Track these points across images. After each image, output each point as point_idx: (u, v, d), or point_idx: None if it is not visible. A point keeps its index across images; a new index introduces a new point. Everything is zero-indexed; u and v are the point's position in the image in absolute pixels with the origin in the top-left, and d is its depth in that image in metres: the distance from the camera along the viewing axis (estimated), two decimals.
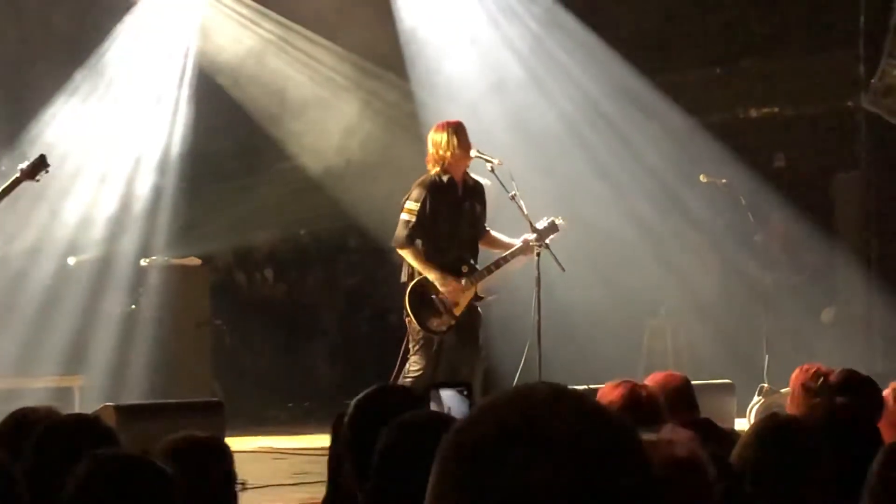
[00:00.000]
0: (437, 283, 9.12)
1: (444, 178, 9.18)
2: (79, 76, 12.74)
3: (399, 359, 9.27)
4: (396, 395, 3.88)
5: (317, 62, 13.48)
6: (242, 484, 4.39)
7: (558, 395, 1.55)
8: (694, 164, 12.55)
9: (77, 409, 9.89)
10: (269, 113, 13.27)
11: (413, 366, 9.14)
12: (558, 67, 13.52)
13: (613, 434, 1.54)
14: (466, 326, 9.28)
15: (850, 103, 13.70)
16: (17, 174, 9.00)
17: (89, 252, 12.47)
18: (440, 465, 1.54)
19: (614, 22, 13.49)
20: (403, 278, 9.28)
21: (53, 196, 12.51)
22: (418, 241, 9.15)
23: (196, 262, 12.16)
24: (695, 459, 3.07)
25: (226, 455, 3.97)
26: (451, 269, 9.20)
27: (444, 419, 3.07)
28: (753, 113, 14.45)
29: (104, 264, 12.38)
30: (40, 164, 9.04)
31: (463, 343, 9.30)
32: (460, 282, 9.18)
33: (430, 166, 9.22)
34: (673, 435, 3.30)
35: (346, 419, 3.70)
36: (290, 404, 13.45)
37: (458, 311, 9.20)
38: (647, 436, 3.39)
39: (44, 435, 3.92)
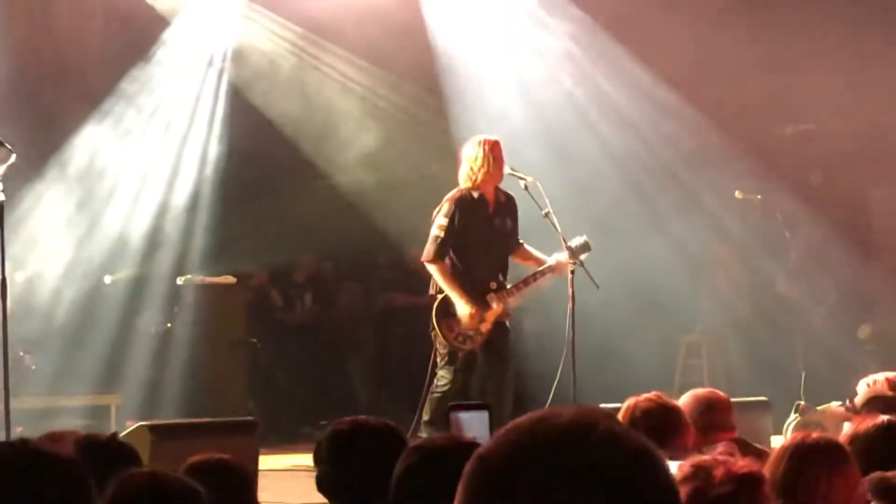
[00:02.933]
0: (457, 305, 9.10)
1: (475, 195, 9.16)
2: (114, 94, 12.79)
3: (428, 374, 9.25)
4: (371, 427, 3.89)
5: (351, 81, 13.49)
6: None
7: (581, 420, 1.54)
8: (729, 180, 12.50)
9: (112, 428, 9.92)
10: (304, 131, 13.28)
11: (440, 381, 9.12)
12: (593, 85, 13.48)
13: (637, 458, 1.53)
14: (494, 343, 9.25)
15: (886, 119, 13.62)
16: None
17: (125, 270, 12.52)
18: (464, 489, 1.54)
19: (649, 38, 13.44)
20: (431, 291, 9.27)
21: (90, 214, 12.57)
22: (448, 258, 9.13)
23: (231, 280, 12.18)
24: (755, 475, 3.13)
25: (246, 478, 3.96)
26: (479, 285, 9.19)
27: (463, 443, 3.06)
28: (789, 129, 14.38)
29: (140, 283, 12.43)
30: None
31: (490, 360, 9.27)
32: (481, 309, 9.14)
33: (461, 182, 9.21)
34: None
35: (322, 451, 3.72)
36: (324, 422, 13.42)
37: (484, 328, 9.17)
38: (701, 457, 3.42)
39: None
